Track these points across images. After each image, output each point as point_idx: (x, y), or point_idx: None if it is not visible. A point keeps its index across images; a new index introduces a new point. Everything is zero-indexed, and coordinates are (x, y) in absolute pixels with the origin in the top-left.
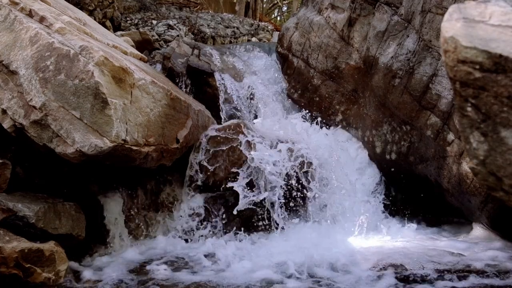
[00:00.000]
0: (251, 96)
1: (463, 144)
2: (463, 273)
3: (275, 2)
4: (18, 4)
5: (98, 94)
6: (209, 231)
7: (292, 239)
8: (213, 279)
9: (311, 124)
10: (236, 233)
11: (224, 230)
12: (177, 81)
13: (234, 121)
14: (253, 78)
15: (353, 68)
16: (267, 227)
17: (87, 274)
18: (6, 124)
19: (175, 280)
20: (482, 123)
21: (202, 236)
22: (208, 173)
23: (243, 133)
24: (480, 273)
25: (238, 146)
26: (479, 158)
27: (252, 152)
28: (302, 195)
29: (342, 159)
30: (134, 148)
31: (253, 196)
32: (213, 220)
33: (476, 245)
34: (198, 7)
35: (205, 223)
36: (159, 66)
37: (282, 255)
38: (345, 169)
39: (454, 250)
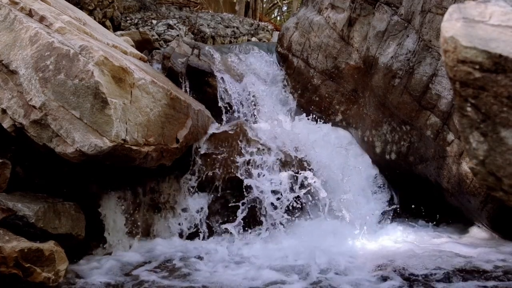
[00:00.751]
0: (252, 101)
1: (463, 144)
2: (466, 274)
3: (275, 2)
4: (18, 4)
5: (98, 93)
6: (209, 232)
7: (293, 240)
8: (210, 283)
9: (316, 122)
10: (234, 233)
11: (224, 231)
12: (177, 81)
13: (230, 128)
14: (259, 90)
15: (353, 68)
16: (267, 227)
17: (86, 274)
18: (6, 124)
19: (172, 283)
20: (481, 123)
21: (201, 237)
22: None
23: (240, 153)
24: (486, 275)
25: (235, 173)
26: (479, 158)
27: (250, 181)
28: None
29: (356, 183)
30: (134, 148)
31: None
32: (213, 221)
33: (478, 246)
34: (198, 6)
35: (204, 223)
36: (159, 66)
37: (282, 256)
38: (359, 197)
39: (455, 251)
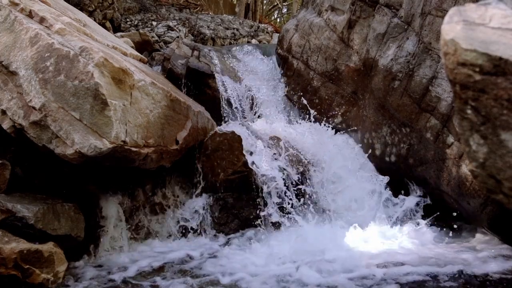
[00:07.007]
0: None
1: (463, 147)
2: (464, 277)
3: (275, 3)
4: (18, 5)
5: (98, 95)
6: (208, 233)
7: (292, 240)
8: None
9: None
10: (234, 234)
11: (223, 232)
12: (176, 82)
13: (229, 131)
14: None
15: (353, 70)
16: (267, 227)
17: (85, 275)
18: (6, 125)
19: (171, 284)
20: (482, 125)
21: (201, 237)
22: None
23: (240, 154)
24: (485, 280)
25: (235, 175)
26: (479, 160)
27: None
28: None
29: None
30: (134, 149)
31: None
32: (213, 221)
33: (479, 249)
34: (198, 8)
35: (204, 225)
36: (158, 67)
37: (281, 257)
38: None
39: (456, 254)
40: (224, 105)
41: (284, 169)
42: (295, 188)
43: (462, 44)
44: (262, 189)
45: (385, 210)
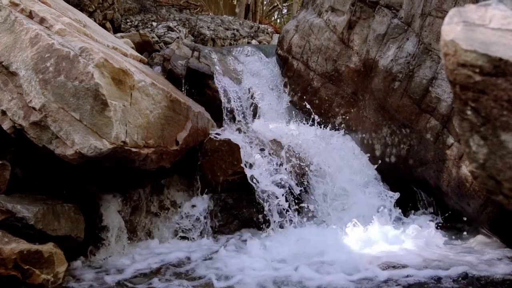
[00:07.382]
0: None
1: (463, 148)
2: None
3: (275, 4)
4: (19, 5)
5: (98, 95)
6: (208, 233)
7: (293, 241)
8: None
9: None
10: (234, 235)
11: (223, 233)
12: (176, 83)
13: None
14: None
15: (353, 70)
16: (266, 228)
17: (85, 275)
18: (6, 125)
19: (171, 286)
20: (482, 126)
21: (200, 238)
22: None
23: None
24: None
25: (235, 176)
26: (479, 161)
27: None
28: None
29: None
30: (134, 149)
31: None
32: (213, 222)
33: (483, 251)
34: (198, 9)
35: (204, 225)
36: (159, 68)
37: (282, 258)
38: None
39: (460, 256)
40: (225, 117)
41: (286, 182)
42: (298, 207)
43: (462, 45)
44: (263, 207)
45: (395, 227)
